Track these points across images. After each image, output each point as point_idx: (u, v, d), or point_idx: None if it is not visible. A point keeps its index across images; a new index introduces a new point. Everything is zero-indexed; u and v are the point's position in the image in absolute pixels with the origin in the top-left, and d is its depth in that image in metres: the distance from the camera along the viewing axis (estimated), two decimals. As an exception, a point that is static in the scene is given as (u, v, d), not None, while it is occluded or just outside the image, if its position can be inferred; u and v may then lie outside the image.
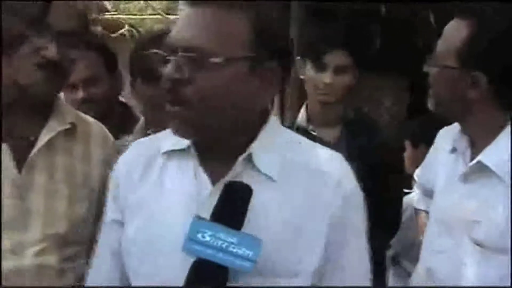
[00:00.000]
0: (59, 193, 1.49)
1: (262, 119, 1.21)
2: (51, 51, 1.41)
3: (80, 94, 2.22)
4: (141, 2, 6.06)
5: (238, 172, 1.16)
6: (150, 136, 1.35)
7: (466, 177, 1.57)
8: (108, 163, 1.62)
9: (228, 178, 1.14)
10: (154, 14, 6.22)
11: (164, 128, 1.84)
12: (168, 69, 1.14)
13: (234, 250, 1.00)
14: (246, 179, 1.14)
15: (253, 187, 1.13)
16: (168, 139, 1.23)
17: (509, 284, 1.44)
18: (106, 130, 1.73)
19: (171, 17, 6.27)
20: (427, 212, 1.87)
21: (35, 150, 1.46)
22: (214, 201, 1.11)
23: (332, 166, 1.21)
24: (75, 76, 2.15)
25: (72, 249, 1.50)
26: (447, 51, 1.56)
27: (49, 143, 1.48)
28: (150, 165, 1.25)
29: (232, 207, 1.08)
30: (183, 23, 1.15)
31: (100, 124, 1.72)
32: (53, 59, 1.42)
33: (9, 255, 1.41)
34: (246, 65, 1.13)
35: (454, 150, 1.64)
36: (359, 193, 1.22)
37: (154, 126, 1.89)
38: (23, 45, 1.37)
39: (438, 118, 1.74)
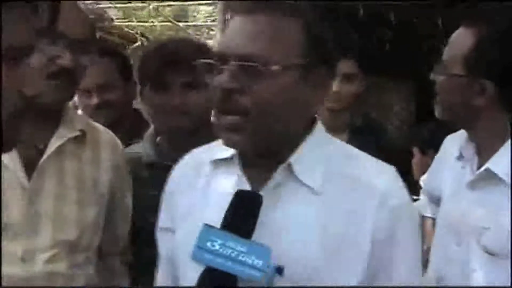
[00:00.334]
0: (69, 199, 1.50)
1: (308, 128, 1.19)
2: (66, 59, 1.43)
3: (95, 100, 2.24)
4: (151, 9, 6.09)
5: (278, 182, 1.14)
6: (204, 146, 1.34)
7: (473, 185, 1.57)
8: (117, 170, 1.64)
9: (268, 187, 1.13)
10: (164, 21, 6.25)
11: (173, 136, 1.87)
12: (221, 78, 1.10)
13: (244, 259, 0.99)
14: (287, 190, 1.13)
15: (293, 198, 1.12)
16: (218, 148, 1.22)
17: None
18: (115, 137, 1.75)
19: (181, 24, 6.30)
20: (433, 219, 1.87)
21: (45, 156, 1.47)
22: None
23: (380, 179, 1.15)
24: (90, 82, 2.20)
25: (82, 255, 1.51)
26: (454, 59, 1.56)
27: (59, 150, 1.50)
28: (199, 173, 1.25)
29: (242, 216, 1.07)
30: (235, 31, 1.13)
31: (109, 131, 1.73)
32: (67, 67, 1.43)
33: (19, 261, 1.42)
34: (300, 71, 1.11)
35: (461, 157, 1.64)
36: (409, 209, 1.17)
37: (163, 134, 1.91)
38: (31, 55, 1.39)
39: (446, 124, 1.73)
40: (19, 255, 1.42)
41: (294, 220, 1.12)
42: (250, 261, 0.99)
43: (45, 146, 1.49)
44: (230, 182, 1.17)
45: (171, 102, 1.78)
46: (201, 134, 1.87)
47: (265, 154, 1.15)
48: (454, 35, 1.59)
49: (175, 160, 1.85)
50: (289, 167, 1.14)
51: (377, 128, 2.45)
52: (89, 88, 2.21)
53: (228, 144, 1.15)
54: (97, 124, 1.69)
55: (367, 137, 2.28)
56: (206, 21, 6.74)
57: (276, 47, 1.09)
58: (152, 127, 1.97)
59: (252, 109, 1.09)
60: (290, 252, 1.09)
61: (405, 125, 4.42)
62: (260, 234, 1.09)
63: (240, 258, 1.00)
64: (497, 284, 1.47)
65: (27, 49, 1.23)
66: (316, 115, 1.21)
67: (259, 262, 1.00)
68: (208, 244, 1.01)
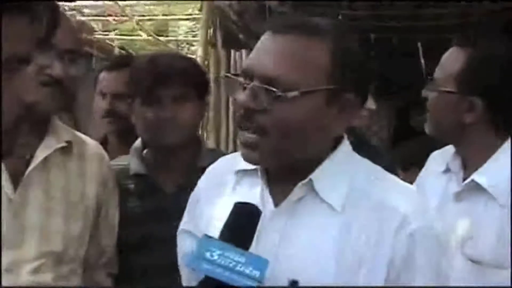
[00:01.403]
0: (55, 210, 1.49)
1: (333, 145, 1.17)
2: (56, 69, 1.43)
3: (106, 105, 2.30)
4: (132, 23, 6.09)
5: (298, 197, 1.14)
6: (233, 154, 1.34)
7: (459, 196, 1.62)
8: (104, 183, 1.63)
9: (288, 202, 1.14)
10: (147, 35, 6.25)
11: (161, 150, 1.87)
12: (243, 96, 1.10)
13: (241, 269, 0.99)
14: (307, 206, 1.13)
15: (312, 214, 1.12)
16: None
17: None
18: (102, 150, 1.74)
19: (162, 38, 6.30)
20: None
21: (31, 167, 1.46)
22: (273, 222, 1.13)
23: (401, 201, 1.12)
24: (107, 88, 2.30)
25: (67, 266, 1.50)
26: (445, 77, 1.62)
27: (45, 161, 1.49)
28: (226, 182, 1.25)
29: (241, 227, 1.07)
30: (262, 49, 1.12)
31: (97, 144, 1.73)
32: (58, 77, 1.43)
33: (4, 273, 1.39)
34: (324, 96, 1.10)
35: (447, 170, 1.69)
36: (429, 233, 1.13)
37: (152, 147, 1.90)
38: (29, 64, 1.39)
39: (427, 141, 1.78)
40: (4, 266, 1.39)
41: (311, 236, 1.12)
42: (247, 272, 1.00)
43: (31, 157, 1.48)
44: (253, 194, 1.18)
45: (162, 116, 1.78)
46: (189, 149, 1.88)
47: (286, 171, 1.15)
48: (446, 54, 1.65)
49: (161, 173, 1.87)
50: (310, 183, 1.14)
51: (365, 143, 2.47)
52: (105, 92, 2.31)
53: (245, 159, 1.16)
54: (83, 136, 1.68)
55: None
56: (187, 37, 6.77)
57: (299, 72, 1.08)
58: (139, 140, 1.96)
59: (271, 130, 1.10)
60: (305, 268, 1.09)
61: (384, 144, 4.47)
62: (276, 247, 1.10)
63: (237, 268, 1.00)
64: None
65: (27, 58, 1.23)
66: (341, 134, 1.19)
67: (256, 273, 1.00)
68: (207, 254, 1.01)
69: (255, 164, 1.18)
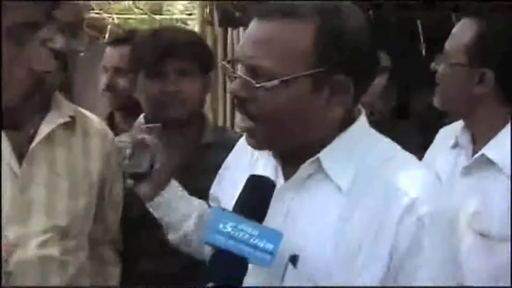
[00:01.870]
0: (60, 185, 1.49)
1: (345, 124, 1.15)
2: (58, 42, 1.41)
3: (106, 80, 2.30)
4: (126, 2, 6.03)
5: (306, 175, 1.14)
6: None
7: (468, 170, 1.62)
8: (107, 159, 1.62)
9: (295, 179, 1.14)
10: (141, 14, 6.19)
11: (164, 125, 1.86)
12: (233, 86, 1.13)
13: (255, 242, 1.00)
14: (314, 183, 1.13)
15: (318, 192, 1.12)
16: None
17: (507, 271, 1.49)
18: (106, 126, 1.73)
19: (158, 17, 6.24)
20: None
21: (35, 142, 1.45)
22: (281, 196, 1.13)
23: (411, 184, 1.09)
24: (109, 62, 2.30)
25: (73, 241, 1.50)
26: (456, 49, 1.61)
27: (49, 136, 1.48)
28: (248, 154, 1.29)
29: (254, 200, 1.08)
30: (247, 37, 1.12)
31: (100, 120, 1.72)
32: (60, 50, 1.42)
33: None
34: (310, 81, 1.08)
35: (456, 145, 1.69)
36: (440, 218, 1.08)
37: (155, 122, 1.89)
38: (37, 33, 1.38)
39: (425, 121, 1.77)
40: (12, 240, 1.39)
41: (315, 214, 1.12)
42: (261, 245, 1.00)
43: (35, 132, 1.47)
44: (268, 170, 1.19)
45: (166, 90, 1.77)
46: (192, 124, 1.87)
47: (294, 151, 1.15)
48: (456, 26, 1.64)
49: (165, 149, 1.86)
50: (318, 162, 1.13)
51: (397, 125, 2.44)
52: (106, 67, 2.31)
53: (248, 144, 1.18)
54: (87, 112, 1.67)
55: (385, 134, 2.26)
56: (182, 15, 6.71)
57: (281, 59, 1.07)
58: (141, 116, 1.95)
59: (259, 118, 1.11)
60: (306, 244, 1.10)
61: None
62: (281, 222, 1.10)
63: (251, 241, 1.00)
64: (489, 266, 1.52)
65: (33, 25, 1.22)
66: (351, 115, 1.17)
67: (270, 246, 1.00)
68: (220, 226, 1.01)
69: (256, 149, 1.20)
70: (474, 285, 1.52)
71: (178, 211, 1.46)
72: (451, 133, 1.73)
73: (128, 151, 1.46)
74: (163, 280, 1.68)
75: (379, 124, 2.32)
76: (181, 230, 1.47)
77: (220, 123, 4.38)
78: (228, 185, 1.31)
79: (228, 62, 1.19)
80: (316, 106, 1.10)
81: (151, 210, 1.48)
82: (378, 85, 2.39)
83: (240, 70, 1.12)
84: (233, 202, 1.10)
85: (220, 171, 1.45)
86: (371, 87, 2.33)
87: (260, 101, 1.09)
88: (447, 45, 1.65)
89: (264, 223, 1.06)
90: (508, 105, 1.61)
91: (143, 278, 1.73)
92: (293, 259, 1.08)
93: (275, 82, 1.06)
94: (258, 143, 1.16)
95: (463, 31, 1.61)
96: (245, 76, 1.09)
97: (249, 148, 1.23)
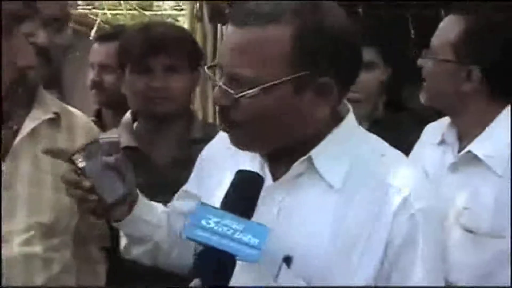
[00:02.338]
0: (44, 182, 1.47)
1: (334, 122, 1.14)
2: (40, 37, 1.40)
3: (93, 76, 2.28)
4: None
5: (297, 174, 1.13)
6: None
7: (455, 167, 1.61)
8: (93, 155, 1.61)
9: (286, 177, 1.13)
10: (130, 10, 6.16)
11: (152, 121, 1.85)
12: (215, 93, 1.11)
13: (239, 237, 0.98)
14: (306, 182, 1.12)
15: (311, 191, 1.11)
16: None
17: (499, 267, 1.49)
18: (91, 122, 1.72)
19: (148, 13, 6.22)
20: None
21: (19, 138, 1.44)
22: (271, 196, 1.11)
23: (404, 181, 1.09)
24: (95, 59, 2.27)
25: (58, 238, 1.49)
26: (442, 45, 1.60)
27: (33, 132, 1.46)
28: (230, 152, 1.23)
29: (243, 196, 1.06)
30: (224, 45, 1.12)
31: (85, 116, 1.70)
32: (42, 45, 1.40)
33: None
34: (291, 85, 1.06)
35: (442, 142, 1.69)
36: (432, 214, 1.10)
37: (143, 118, 1.88)
38: (19, 27, 1.36)
39: (416, 115, 1.76)
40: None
41: (308, 213, 1.11)
42: (246, 239, 0.98)
43: (19, 128, 1.46)
44: (255, 167, 1.16)
45: (153, 86, 1.76)
46: (180, 120, 1.86)
47: (281, 151, 1.14)
48: (443, 22, 1.64)
49: (153, 146, 1.85)
50: (310, 160, 1.12)
51: (400, 121, 2.41)
52: (93, 63, 2.29)
53: (232, 145, 1.16)
54: (72, 108, 1.66)
55: (389, 130, 2.25)
56: (172, 11, 6.69)
57: (260, 66, 1.05)
58: (128, 112, 1.94)
59: (243, 124, 1.09)
60: (299, 244, 1.09)
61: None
62: (272, 222, 1.08)
63: (235, 236, 0.98)
64: (477, 262, 1.52)
65: (16, 18, 1.20)
66: (340, 114, 1.17)
67: (255, 241, 0.98)
68: (203, 221, 0.99)
69: (242, 150, 1.18)
70: (462, 280, 1.51)
71: (150, 222, 1.36)
72: (437, 129, 1.72)
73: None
74: (151, 276, 1.67)
75: (379, 121, 2.31)
76: (150, 242, 1.37)
77: (210, 119, 4.37)
78: (207, 180, 1.29)
79: (209, 67, 1.18)
80: (299, 109, 1.09)
81: (118, 228, 1.37)
82: (372, 82, 2.37)
83: (221, 77, 1.11)
84: (214, 198, 1.09)
85: (197, 170, 1.39)
86: (365, 84, 2.34)
87: (242, 109, 1.08)
88: (434, 41, 1.64)
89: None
90: (496, 102, 1.60)
91: (130, 274, 1.72)
92: (287, 260, 1.07)
93: (256, 90, 1.05)
94: (242, 146, 1.15)
95: (450, 27, 1.60)
96: (224, 86, 1.08)
97: (229, 148, 1.21)
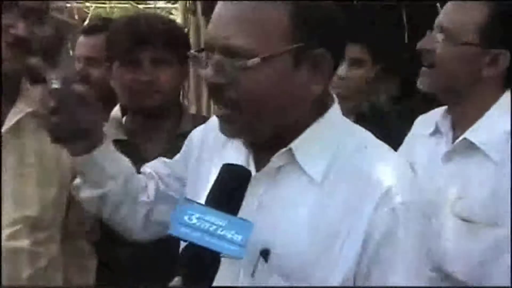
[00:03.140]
0: (29, 175, 1.46)
1: (318, 112, 1.12)
2: (20, 28, 1.38)
3: (79, 70, 2.24)
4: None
5: (278, 166, 1.10)
6: None
7: (449, 156, 1.57)
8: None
9: (267, 170, 1.11)
10: (123, 2, 6.12)
11: (141, 115, 1.83)
12: (207, 72, 1.06)
13: (222, 233, 0.95)
14: (286, 174, 1.10)
15: (291, 184, 1.09)
16: None
17: (495, 255, 1.47)
18: None
19: (141, 6, 6.18)
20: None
21: (3, 131, 1.43)
22: (252, 188, 1.08)
23: (387, 174, 1.07)
24: (81, 52, 2.24)
25: (45, 233, 1.48)
26: (463, 28, 1.52)
27: (17, 126, 1.45)
28: (216, 142, 1.23)
29: (228, 190, 1.03)
30: (218, 19, 1.06)
31: None
32: (22, 36, 1.38)
33: None
34: (291, 56, 1.04)
35: (435, 132, 1.64)
36: (413, 207, 1.07)
37: (131, 112, 1.86)
38: None
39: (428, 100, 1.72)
40: None
41: (287, 206, 1.09)
42: (229, 236, 0.96)
43: (2, 122, 1.44)
44: (239, 157, 1.14)
45: (140, 79, 1.74)
46: (169, 113, 1.85)
47: (267, 140, 1.11)
48: (459, 3, 1.56)
49: (142, 139, 1.83)
50: (290, 152, 1.10)
51: (384, 117, 2.40)
52: (79, 57, 2.26)
53: (223, 133, 1.12)
54: None
55: (373, 125, 2.23)
56: (166, 4, 6.66)
57: (258, 37, 1.02)
58: (117, 106, 1.92)
59: (241, 103, 1.05)
60: (279, 238, 1.07)
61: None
62: (252, 215, 1.06)
63: (218, 232, 0.96)
64: (471, 251, 1.49)
65: None
66: (324, 101, 1.15)
67: (238, 237, 0.96)
68: (185, 217, 0.97)
69: (231, 137, 1.15)
70: (460, 270, 1.50)
71: (106, 170, 1.31)
72: (429, 120, 1.69)
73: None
74: (139, 269, 1.67)
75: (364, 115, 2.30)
76: (104, 188, 1.32)
77: (204, 112, 4.35)
78: (192, 177, 1.26)
79: (199, 51, 1.12)
80: (297, 84, 1.06)
81: (74, 163, 1.34)
82: (359, 79, 2.36)
83: (211, 56, 1.06)
84: (196, 189, 1.07)
85: (184, 152, 1.37)
86: (351, 81, 2.31)
87: (241, 83, 1.03)
88: (449, 23, 1.55)
89: (239, 215, 1.03)
90: (502, 90, 1.55)
91: (119, 266, 1.71)
92: (264, 253, 1.05)
93: (257, 60, 1.01)
94: (236, 131, 1.11)
95: (472, 10, 1.52)
96: (222, 57, 1.03)
97: (212, 139, 1.20)
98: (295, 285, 1.06)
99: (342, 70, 2.20)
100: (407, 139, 1.78)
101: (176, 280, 0.98)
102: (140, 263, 1.70)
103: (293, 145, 1.10)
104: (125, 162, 1.37)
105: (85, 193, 1.35)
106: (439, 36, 1.56)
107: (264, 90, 1.04)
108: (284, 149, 1.10)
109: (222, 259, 0.99)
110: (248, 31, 1.03)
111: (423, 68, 1.61)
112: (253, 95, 1.04)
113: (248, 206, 1.08)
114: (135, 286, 1.63)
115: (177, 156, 1.41)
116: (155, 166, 1.43)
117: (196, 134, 1.36)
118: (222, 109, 1.08)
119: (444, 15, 1.58)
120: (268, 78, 1.04)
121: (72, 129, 1.22)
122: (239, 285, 1.09)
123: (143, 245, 1.46)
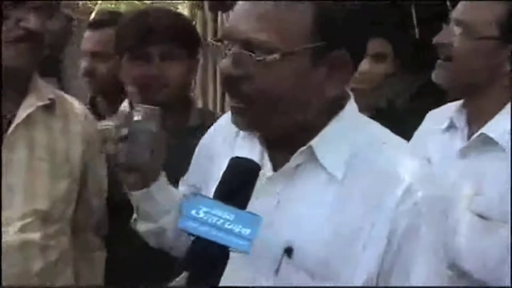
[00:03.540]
0: (40, 169, 1.47)
1: (334, 110, 1.12)
2: (31, 21, 1.39)
3: (86, 65, 2.24)
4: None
5: (297, 164, 1.10)
6: None
7: (465, 152, 1.55)
8: (88, 142, 1.60)
9: (286, 168, 1.10)
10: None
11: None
12: (225, 63, 1.06)
13: (230, 227, 0.94)
14: (306, 172, 1.10)
15: (311, 181, 1.09)
16: None
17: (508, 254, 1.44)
18: (87, 109, 1.72)
19: (147, 1, 6.17)
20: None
21: (14, 125, 1.44)
22: (270, 187, 1.09)
23: (407, 169, 1.07)
24: (87, 46, 2.22)
25: (55, 226, 1.49)
26: (483, 21, 1.50)
27: (28, 119, 1.46)
28: (228, 140, 1.23)
29: (236, 184, 1.03)
30: (241, 13, 1.07)
31: (80, 103, 1.70)
32: (33, 29, 1.39)
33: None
34: (310, 55, 1.04)
35: (450, 127, 1.62)
36: (434, 203, 1.08)
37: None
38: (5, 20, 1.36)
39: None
40: None
41: (308, 204, 1.09)
42: (236, 230, 0.95)
43: (14, 116, 1.46)
44: (253, 156, 1.13)
45: (149, 73, 1.75)
46: (177, 108, 1.85)
47: (284, 137, 1.11)
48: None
49: (163, 138, 1.83)
50: (310, 150, 1.10)
51: (402, 115, 2.35)
52: (85, 51, 2.24)
53: (236, 126, 1.12)
54: (67, 95, 1.66)
55: (391, 122, 2.21)
56: (172, 0, 6.64)
57: (280, 33, 1.03)
58: (126, 100, 1.93)
59: (256, 97, 1.05)
60: (301, 236, 1.07)
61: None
62: (271, 213, 1.07)
63: (226, 226, 0.96)
64: (491, 248, 1.47)
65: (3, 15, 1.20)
66: (343, 97, 1.14)
67: (246, 231, 0.95)
68: (193, 211, 0.97)
69: (245, 130, 1.15)
70: (475, 268, 1.48)
71: (160, 204, 1.33)
72: (441, 115, 1.65)
73: (114, 132, 1.26)
74: (144, 267, 1.67)
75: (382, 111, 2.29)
76: (158, 222, 1.34)
77: (210, 106, 4.36)
78: (208, 176, 1.24)
79: (217, 40, 1.12)
80: (314, 83, 1.06)
81: (130, 197, 1.36)
82: (379, 74, 2.35)
83: (230, 48, 1.07)
84: (212, 189, 1.07)
85: (197, 160, 1.37)
86: (372, 75, 2.29)
87: (257, 78, 1.03)
88: (467, 17, 1.52)
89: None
90: None
91: (124, 265, 1.72)
92: (288, 251, 1.05)
93: (276, 55, 1.02)
94: (248, 124, 1.11)
95: (491, 4, 1.50)
96: (242, 50, 1.03)
97: (227, 135, 1.20)
98: (319, 283, 1.06)
99: (364, 64, 2.19)
100: (417, 133, 1.74)
101: (183, 276, 0.98)
102: (140, 263, 1.70)
103: (313, 143, 1.10)
104: (177, 194, 1.37)
105: (141, 227, 1.37)
106: (456, 30, 1.54)
107: (279, 87, 1.05)
108: (304, 147, 1.09)
109: (240, 259, 0.99)
110: (270, 27, 1.03)
111: (439, 61, 1.59)
112: (267, 90, 1.05)
113: (267, 204, 1.08)
114: (135, 286, 1.63)
115: (190, 169, 1.40)
116: (181, 192, 1.41)
117: (203, 143, 1.36)
118: (235, 102, 1.09)
119: (462, 9, 1.56)
120: (285, 75, 1.04)
121: (133, 161, 1.24)
122: (262, 284, 1.08)
123: (143, 245, 1.47)
